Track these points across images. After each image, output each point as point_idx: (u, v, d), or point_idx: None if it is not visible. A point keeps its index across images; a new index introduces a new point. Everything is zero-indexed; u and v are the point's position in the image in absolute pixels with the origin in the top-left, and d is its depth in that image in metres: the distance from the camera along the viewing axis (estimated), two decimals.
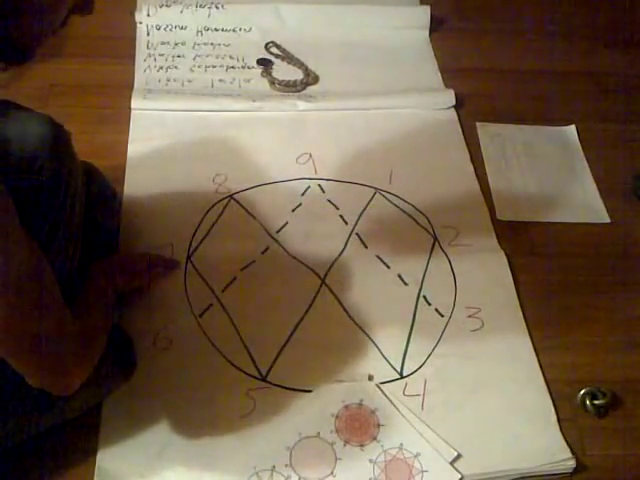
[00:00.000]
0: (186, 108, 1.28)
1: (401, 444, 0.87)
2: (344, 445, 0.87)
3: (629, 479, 0.90)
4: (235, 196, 1.15)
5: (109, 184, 1.08)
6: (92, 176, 1.02)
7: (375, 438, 0.88)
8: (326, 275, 1.05)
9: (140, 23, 1.44)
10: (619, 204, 1.22)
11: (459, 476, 0.85)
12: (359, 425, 0.89)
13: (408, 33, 1.50)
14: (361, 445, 0.87)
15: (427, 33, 1.51)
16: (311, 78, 1.37)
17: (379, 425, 0.89)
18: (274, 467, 0.84)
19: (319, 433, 0.87)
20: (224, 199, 1.14)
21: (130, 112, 1.25)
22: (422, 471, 0.85)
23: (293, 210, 1.14)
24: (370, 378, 0.94)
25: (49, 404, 0.77)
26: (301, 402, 0.91)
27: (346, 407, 0.90)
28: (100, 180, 1.05)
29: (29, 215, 0.65)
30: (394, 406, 0.91)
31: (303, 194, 1.17)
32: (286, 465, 0.84)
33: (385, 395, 0.92)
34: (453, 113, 1.34)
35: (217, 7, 1.46)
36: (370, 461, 0.86)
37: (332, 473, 0.85)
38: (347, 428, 0.88)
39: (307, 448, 0.86)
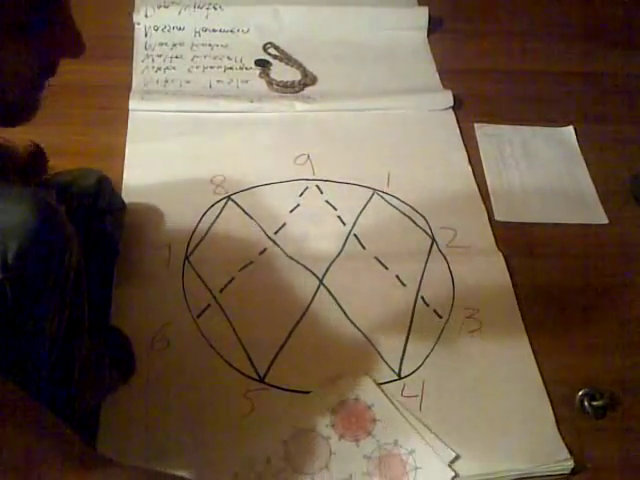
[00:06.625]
0: (184, 109, 1.27)
1: (396, 440, 0.87)
2: (339, 439, 0.87)
3: None
4: (233, 197, 1.14)
5: (118, 194, 1.07)
6: (102, 186, 1.01)
7: (370, 433, 0.88)
8: (324, 276, 1.05)
9: (138, 24, 1.44)
10: (617, 205, 1.22)
11: (452, 474, 0.84)
12: (355, 420, 0.88)
13: (406, 34, 1.50)
14: (356, 440, 0.87)
15: (425, 34, 1.51)
16: (309, 79, 1.37)
17: (375, 420, 0.89)
18: (269, 460, 0.84)
19: (315, 427, 0.87)
20: (222, 200, 1.14)
21: (128, 113, 1.25)
22: (416, 468, 0.85)
23: (291, 211, 1.14)
24: None
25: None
26: (299, 403, 0.90)
27: (342, 402, 0.90)
28: (110, 190, 1.04)
29: (14, 309, 0.59)
30: (391, 402, 0.90)
31: (301, 195, 1.17)
32: (281, 458, 0.84)
33: (382, 391, 0.91)
34: (451, 114, 1.34)
35: (215, 8, 1.46)
36: (365, 456, 0.86)
37: (326, 467, 0.85)
38: (343, 423, 0.88)
39: (302, 442, 0.86)
